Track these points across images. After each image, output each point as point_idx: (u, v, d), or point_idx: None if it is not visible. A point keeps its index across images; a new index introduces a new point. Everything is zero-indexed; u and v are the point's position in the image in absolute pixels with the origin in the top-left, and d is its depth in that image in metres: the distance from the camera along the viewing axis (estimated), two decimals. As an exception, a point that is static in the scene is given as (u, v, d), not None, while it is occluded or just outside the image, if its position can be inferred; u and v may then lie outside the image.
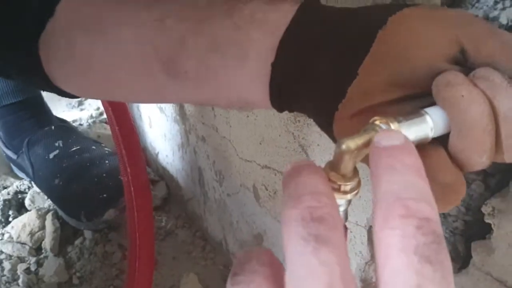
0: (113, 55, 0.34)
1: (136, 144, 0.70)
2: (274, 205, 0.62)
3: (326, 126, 0.28)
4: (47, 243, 0.84)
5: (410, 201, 0.17)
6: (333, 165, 0.21)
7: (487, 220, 0.35)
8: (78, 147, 0.87)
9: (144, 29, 0.32)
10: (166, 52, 0.31)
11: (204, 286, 0.79)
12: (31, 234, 0.85)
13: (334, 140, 0.28)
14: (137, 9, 0.33)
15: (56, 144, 0.87)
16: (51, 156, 0.85)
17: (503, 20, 0.31)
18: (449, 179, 0.24)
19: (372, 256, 0.47)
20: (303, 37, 0.28)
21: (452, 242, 0.40)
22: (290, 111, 0.30)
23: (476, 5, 0.33)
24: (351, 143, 0.20)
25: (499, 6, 0.31)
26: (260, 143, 0.59)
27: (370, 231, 0.46)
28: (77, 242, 0.85)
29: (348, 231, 0.49)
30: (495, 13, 0.31)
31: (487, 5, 0.31)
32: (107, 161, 0.86)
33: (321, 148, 0.48)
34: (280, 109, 0.30)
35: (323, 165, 0.21)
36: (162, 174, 0.96)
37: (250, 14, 0.29)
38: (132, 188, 0.69)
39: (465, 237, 0.38)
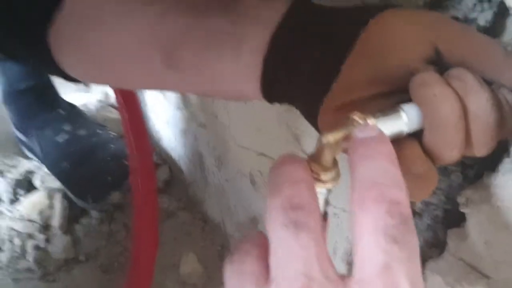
0: (117, 45, 0.36)
1: (143, 130, 0.73)
2: None
3: (312, 118, 0.30)
4: (55, 221, 0.87)
5: (383, 186, 0.18)
6: (314, 157, 0.23)
7: (462, 209, 0.37)
8: (86, 131, 0.91)
9: (146, 21, 0.34)
10: (165, 44, 0.33)
11: (203, 265, 0.82)
12: (40, 212, 0.89)
13: (319, 131, 0.30)
14: (140, 2, 0.35)
15: (65, 128, 0.90)
16: (59, 139, 0.89)
17: (481, 21, 0.32)
18: (421, 170, 0.26)
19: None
20: (293, 34, 0.30)
21: (433, 229, 0.42)
22: (280, 103, 0.32)
23: (457, 6, 0.34)
24: (330, 137, 0.22)
25: (478, 8, 0.32)
26: (257, 132, 0.62)
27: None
28: (84, 220, 0.89)
29: (336, 216, 0.52)
30: (474, 14, 0.32)
31: (467, 7, 0.32)
32: (112, 145, 0.89)
33: (313, 139, 0.50)
34: (271, 101, 0.32)
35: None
36: (165, 158, 0.98)
37: (245, 10, 0.31)
38: (139, 172, 0.72)
39: (445, 225, 0.41)
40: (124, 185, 0.86)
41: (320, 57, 0.29)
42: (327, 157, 0.22)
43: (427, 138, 0.25)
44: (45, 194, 0.90)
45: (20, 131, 0.96)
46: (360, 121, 0.23)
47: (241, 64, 0.31)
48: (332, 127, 0.23)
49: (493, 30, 0.32)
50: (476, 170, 0.37)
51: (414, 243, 0.18)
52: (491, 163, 0.34)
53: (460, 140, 0.25)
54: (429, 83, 0.25)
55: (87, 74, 0.41)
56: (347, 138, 0.22)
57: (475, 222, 0.35)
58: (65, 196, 0.89)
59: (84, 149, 0.88)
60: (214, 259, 0.83)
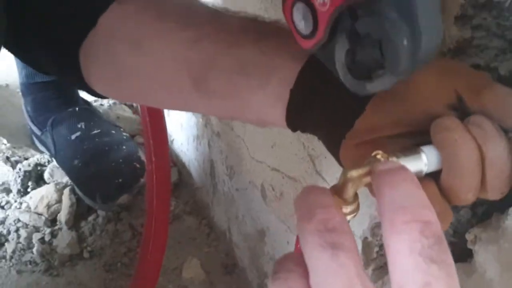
0: (149, 67, 0.37)
1: (163, 136, 0.74)
2: (279, 206, 0.65)
3: (333, 149, 0.32)
4: (62, 216, 0.88)
5: (412, 208, 0.19)
6: (337, 190, 0.23)
7: (469, 246, 0.38)
8: (99, 130, 0.91)
9: (180, 47, 0.35)
10: (197, 70, 0.35)
11: (205, 271, 0.83)
12: (48, 206, 0.89)
13: (339, 161, 0.32)
14: (175, 28, 0.36)
15: (79, 126, 0.91)
16: (73, 137, 0.89)
17: (502, 71, 0.33)
18: (437, 209, 0.27)
19: (366, 264, 0.51)
20: (320, 70, 0.31)
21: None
22: (303, 132, 0.34)
23: (480, 54, 0.34)
24: (354, 173, 0.23)
25: (500, 58, 0.33)
26: (272, 147, 0.63)
27: (364, 241, 0.49)
28: (90, 218, 0.89)
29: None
30: (495, 64, 0.33)
31: (489, 56, 0.33)
32: (124, 147, 0.89)
33: (328, 161, 0.52)
34: (294, 130, 0.34)
35: (328, 178, 0.23)
36: (175, 161, 0.99)
37: (276, 43, 0.33)
38: (154, 177, 0.73)
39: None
40: (133, 188, 0.87)
41: (346, 94, 0.29)
42: (349, 192, 0.23)
43: (445, 180, 0.26)
44: (54, 188, 0.90)
45: (35, 124, 0.97)
46: (383, 160, 0.24)
47: (268, 93, 0.32)
48: (355, 163, 0.24)
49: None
50: (485, 209, 0.38)
51: (450, 261, 0.18)
52: (500, 205, 0.35)
53: (476, 184, 0.26)
54: (450, 128, 0.26)
55: (115, 92, 0.43)
56: (369, 174, 0.23)
57: (482, 260, 0.36)
58: (73, 192, 0.90)
59: (96, 148, 0.88)
60: (217, 267, 0.84)
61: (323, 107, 0.31)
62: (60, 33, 0.40)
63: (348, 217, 0.24)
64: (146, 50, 0.37)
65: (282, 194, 0.64)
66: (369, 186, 0.25)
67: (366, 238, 0.49)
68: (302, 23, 0.25)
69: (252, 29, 0.35)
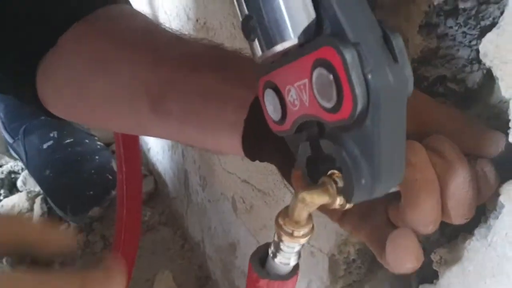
0: (108, 89, 0.37)
1: (135, 144, 0.72)
2: (249, 219, 0.64)
3: (288, 178, 0.31)
4: None
5: None
6: (289, 212, 0.23)
7: (435, 267, 0.37)
8: (72, 139, 0.89)
9: (140, 68, 0.35)
10: (156, 90, 0.34)
11: (178, 284, 0.81)
12: (19, 214, 0.87)
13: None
14: (137, 51, 0.36)
15: (51, 135, 0.89)
16: (44, 146, 0.88)
17: (469, 83, 0.32)
18: None
19: (333, 282, 0.49)
20: None
21: (407, 281, 0.42)
22: (261, 161, 0.33)
23: (446, 65, 0.33)
24: (306, 196, 0.22)
25: (467, 69, 0.32)
26: (242, 159, 0.61)
27: (331, 258, 0.48)
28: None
29: (312, 255, 0.51)
30: (463, 75, 0.32)
31: (456, 67, 0.32)
32: (97, 157, 0.88)
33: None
34: (253, 160, 0.33)
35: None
36: (151, 169, 0.98)
37: (236, 72, 0.33)
38: (124, 186, 0.71)
39: (419, 277, 0.40)
40: (105, 200, 0.85)
41: None
42: (301, 214, 0.22)
43: (405, 213, 0.26)
44: (26, 197, 0.89)
45: (7, 132, 0.95)
46: (338, 180, 0.23)
47: (224, 121, 0.32)
48: (307, 184, 0.23)
49: (480, 92, 0.32)
50: (452, 229, 0.37)
51: None
52: (467, 224, 0.34)
53: (436, 217, 0.26)
54: (413, 164, 0.25)
55: (73, 113, 0.42)
56: (323, 197, 0.22)
57: (446, 283, 0.35)
58: (45, 201, 0.89)
59: (68, 158, 0.87)
60: (190, 279, 0.83)
61: (275, 137, 0.30)
62: (18, 52, 0.40)
63: (302, 240, 0.23)
64: (106, 70, 0.37)
65: (252, 207, 0.63)
66: (324, 208, 0.25)
67: (333, 255, 0.48)
68: (271, 108, 0.25)
69: (213, 56, 0.35)
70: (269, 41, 0.21)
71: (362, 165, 0.21)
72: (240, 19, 0.22)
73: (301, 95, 0.22)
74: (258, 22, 0.21)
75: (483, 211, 0.31)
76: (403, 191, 0.26)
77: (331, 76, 0.19)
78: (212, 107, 0.33)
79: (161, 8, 0.77)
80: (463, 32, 0.31)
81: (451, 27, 0.31)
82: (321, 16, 0.20)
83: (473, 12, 0.30)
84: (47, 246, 0.24)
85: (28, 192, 0.90)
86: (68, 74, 0.39)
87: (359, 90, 0.19)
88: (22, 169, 0.95)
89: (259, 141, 0.31)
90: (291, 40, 0.20)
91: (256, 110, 0.31)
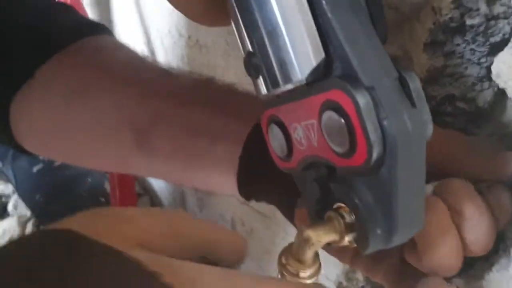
0: (89, 123, 0.35)
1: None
2: (250, 242, 0.62)
3: (290, 217, 0.29)
4: None
5: None
6: (293, 252, 0.21)
7: None
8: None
9: (125, 102, 0.34)
10: (140, 125, 0.33)
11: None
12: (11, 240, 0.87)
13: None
14: (122, 83, 0.34)
15: (41, 158, 0.87)
16: (34, 170, 0.86)
17: (480, 102, 0.30)
18: None
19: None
20: None
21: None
22: (257, 201, 0.31)
23: (454, 84, 0.32)
24: (312, 234, 0.20)
25: (477, 87, 0.31)
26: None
27: (339, 286, 0.47)
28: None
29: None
30: (473, 94, 0.31)
31: (465, 85, 0.31)
32: (89, 179, 0.86)
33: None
34: (248, 199, 0.31)
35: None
36: (147, 189, 0.96)
37: (227, 107, 0.31)
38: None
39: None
40: None
41: None
42: (307, 254, 0.21)
43: (423, 259, 0.25)
44: (17, 222, 0.87)
45: (-3, 156, 0.93)
46: (346, 215, 0.21)
47: (216, 158, 0.31)
48: (312, 220, 0.22)
49: (491, 111, 0.30)
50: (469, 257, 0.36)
51: None
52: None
53: (456, 260, 0.25)
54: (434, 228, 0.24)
55: (49, 150, 0.40)
56: (330, 235, 0.21)
57: None
58: (37, 226, 0.87)
59: (58, 181, 0.85)
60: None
61: (273, 175, 0.29)
62: None
63: (308, 281, 0.21)
64: (86, 104, 0.35)
65: (252, 230, 0.62)
66: (332, 249, 0.23)
67: (340, 283, 0.46)
68: (276, 144, 0.23)
69: (203, 90, 0.33)
70: (274, 80, 0.20)
71: (377, 215, 0.20)
72: (243, 55, 0.21)
73: (308, 135, 0.21)
74: (262, 60, 0.20)
75: (501, 237, 0.29)
76: (416, 237, 0.24)
77: (342, 121, 0.18)
78: (202, 144, 0.31)
79: (152, 26, 0.76)
80: (472, 49, 0.30)
81: (458, 45, 0.30)
82: (331, 55, 0.19)
83: (482, 28, 0.28)
84: (223, 248, 0.22)
85: (19, 217, 0.88)
86: (45, 108, 0.37)
87: (374, 138, 0.17)
88: (13, 192, 0.93)
89: (256, 180, 0.30)
90: (298, 80, 0.19)
91: (251, 147, 0.29)
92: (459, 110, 0.31)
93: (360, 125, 0.17)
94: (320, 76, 0.19)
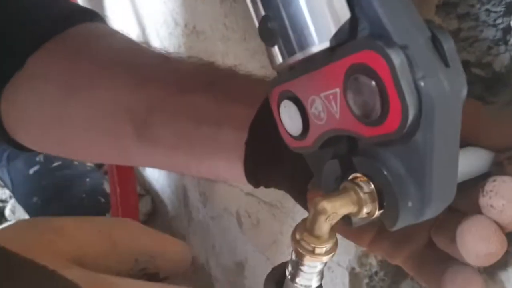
0: (85, 114, 0.34)
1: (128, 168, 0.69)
2: (257, 234, 0.61)
3: (302, 201, 0.28)
4: None
5: None
6: (308, 226, 0.20)
7: None
8: (60, 162, 0.85)
9: (122, 90, 0.32)
10: (140, 115, 0.31)
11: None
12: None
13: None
14: (117, 71, 0.33)
15: (37, 159, 0.85)
16: (31, 171, 0.84)
17: (497, 67, 0.29)
18: None
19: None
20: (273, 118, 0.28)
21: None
22: (266, 187, 0.30)
23: (468, 49, 0.31)
24: (327, 205, 0.19)
25: (493, 51, 0.29)
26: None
27: (351, 272, 0.45)
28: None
29: (330, 270, 0.48)
30: (489, 58, 0.29)
31: (480, 50, 0.30)
32: (87, 179, 0.84)
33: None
34: (257, 186, 0.30)
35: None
36: (148, 189, 0.95)
37: (229, 89, 0.30)
38: (119, 209, 0.67)
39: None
40: None
41: None
42: (322, 227, 0.19)
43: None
44: None
45: (-8, 159, 0.91)
46: (363, 185, 0.20)
47: (222, 144, 0.29)
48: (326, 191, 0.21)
49: (510, 76, 0.29)
50: None
51: None
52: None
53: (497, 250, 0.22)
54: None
55: (43, 143, 0.38)
56: (347, 206, 0.19)
57: None
58: None
59: (56, 183, 0.83)
60: (197, 303, 0.79)
61: (281, 158, 0.28)
62: None
63: (325, 258, 0.20)
64: (81, 94, 0.34)
65: (258, 222, 0.60)
66: (350, 233, 0.22)
67: (353, 268, 0.45)
68: (288, 122, 0.22)
69: (203, 74, 0.32)
70: (291, 47, 0.18)
71: (409, 186, 0.18)
72: (256, 22, 0.19)
73: (329, 107, 0.19)
74: (278, 24, 0.18)
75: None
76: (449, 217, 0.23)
77: (373, 84, 0.16)
78: (205, 130, 0.29)
79: (147, 16, 0.74)
80: (487, 10, 0.28)
81: (472, 5, 0.29)
82: (356, 16, 0.17)
83: None
84: (165, 259, 0.21)
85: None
86: (39, 99, 0.35)
87: (410, 99, 0.16)
88: (10, 197, 0.91)
89: (264, 165, 0.28)
90: (320, 44, 0.17)
91: (257, 131, 0.28)
92: (475, 77, 0.30)
93: (395, 87, 0.16)
94: (345, 39, 0.17)
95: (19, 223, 0.18)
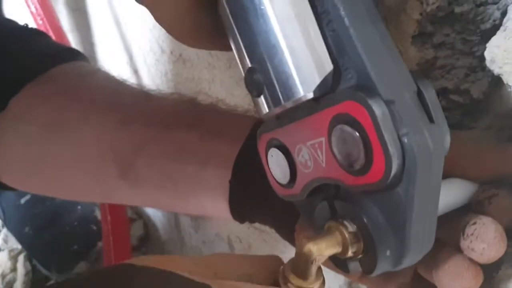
0: (70, 155, 0.34)
1: None
2: None
3: (288, 238, 0.28)
4: (18, 286, 0.82)
5: None
6: (295, 267, 0.20)
7: None
8: (51, 191, 0.86)
9: (105, 130, 0.32)
10: (124, 155, 0.32)
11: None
12: (2, 275, 0.83)
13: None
14: (100, 110, 0.33)
15: (27, 189, 0.85)
16: (22, 201, 0.83)
17: (475, 93, 0.30)
18: None
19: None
20: (256, 153, 0.28)
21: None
22: (251, 223, 0.31)
23: (446, 76, 0.31)
24: (313, 248, 0.19)
25: (471, 78, 0.30)
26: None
27: None
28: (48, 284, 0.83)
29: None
30: (466, 85, 0.30)
31: (458, 77, 0.30)
32: (79, 207, 0.84)
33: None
34: (242, 222, 0.31)
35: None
36: (140, 213, 0.94)
37: (212, 127, 0.30)
38: (111, 237, 0.67)
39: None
40: (91, 254, 0.81)
41: None
42: (309, 269, 0.20)
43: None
44: (8, 256, 0.85)
45: (-17, 189, 0.90)
46: (347, 224, 0.20)
47: (206, 183, 0.30)
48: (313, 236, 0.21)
49: (487, 102, 0.30)
50: None
51: None
52: None
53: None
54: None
55: (29, 184, 0.38)
56: (332, 247, 0.20)
57: None
58: (29, 259, 0.84)
59: (48, 212, 0.82)
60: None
61: (266, 196, 0.28)
62: None
63: None
64: (65, 134, 0.34)
65: (250, 246, 0.60)
66: (329, 262, 0.22)
67: None
68: (276, 170, 0.22)
69: (186, 112, 0.32)
70: (277, 98, 0.18)
71: (388, 236, 0.19)
72: (243, 73, 0.20)
73: (315, 156, 0.19)
74: (264, 75, 0.18)
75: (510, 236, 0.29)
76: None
77: (357, 134, 0.17)
78: (190, 169, 0.30)
79: (134, 43, 0.75)
80: (462, 39, 0.29)
81: (448, 35, 0.29)
82: (339, 65, 0.17)
83: (471, 15, 0.28)
84: (261, 277, 0.22)
85: (10, 251, 0.86)
86: (22, 141, 0.35)
87: (393, 150, 0.16)
88: (3, 226, 0.90)
89: (249, 202, 0.29)
90: (304, 95, 0.18)
91: (241, 168, 0.29)
92: (454, 103, 0.31)
93: (378, 137, 0.16)
94: (328, 89, 0.18)
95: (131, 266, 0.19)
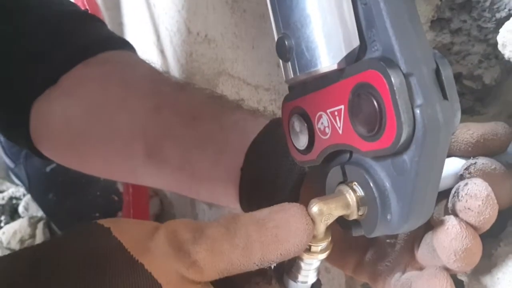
0: (105, 134, 0.36)
1: None
2: None
3: None
4: None
5: None
6: None
7: (460, 277, 0.35)
8: (76, 160, 0.88)
9: (139, 115, 0.35)
10: (153, 138, 0.34)
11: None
12: (21, 241, 0.86)
13: None
14: (137, 95, 0.36)
15: (54, 157, 0.88)
16: (47, 169, 0.85)
17: (487, 79, 0.31)
18: None
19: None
20: (267, 145, 0.30)
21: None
22: None
23: (461, 62, 0.32)
24: (323, 207, 0.20)
25: (484, 64, 0.31)
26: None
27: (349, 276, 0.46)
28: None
29: (327, 271, 0.49)
30: (479, 71, 0.31)
31: (472, 63, 0.31)
32: (102, 178, 0.85)
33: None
34: (248, 210, 0.31)
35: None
36: (156, 190, 0.96)
37: (235, 119, 0.33)
38: (131, 209, 0.69)
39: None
40: None
41: (289, 165, 0.29)
42: (318, 228, 0.21)
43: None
44: (28, 223, 0.87)
45: (8, 156, 0.93)
46: (356, 187, 0.21)
47: (221, 169, 0.32)
48: (324, 197, 0.22)
49: (498, 89, 0.30)
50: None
51: None
52: (492, 229, 0.32)
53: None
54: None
55: (64, 156, 0.41)
56: (343, 207, 0.21)
57: None
58: (48, 226, 0.87)
59: (72, 180, 0.84)
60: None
61: (272, 183, 0.30)
62: (15, 88, 0.39)
63: (320, 256, 0.22)
64: (104, 116, 0.37)
65: None
66: (335, 259, 0.24)
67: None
68: (297, 136, 0.23)
69: (214, 104, 0.35)
70: (303, 65, 0.20)
71: (391, 201, 0.20)
72: (276, 37, 0.21)
73: (334, 122, 0.20)
74: (294, 42, 0.20)
75: (509, 214, 0.29)
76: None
77: (374, 102, 0.18)
78: (209, 155, 0.32)
79: (161, 25, 0.76)
80: (478, 26, 0.30)
81: (464, 21, 0.30)
82: (365, 38, 0.18)
83: (488, 3, 0.29)
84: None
85: (30, 218, 0.88)
86: (64, 116, 0.38)
87: (405, 119, 0.17)
88: (24, 195, 0.93)
89: (257, 192, 0.30)
90: (330, 65, 0.19)
91: (253, 157, 0.30)
92: (466, 88, 0.32)
93: (392, 105, 0.17)
94: (353, 61, 0.19)
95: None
